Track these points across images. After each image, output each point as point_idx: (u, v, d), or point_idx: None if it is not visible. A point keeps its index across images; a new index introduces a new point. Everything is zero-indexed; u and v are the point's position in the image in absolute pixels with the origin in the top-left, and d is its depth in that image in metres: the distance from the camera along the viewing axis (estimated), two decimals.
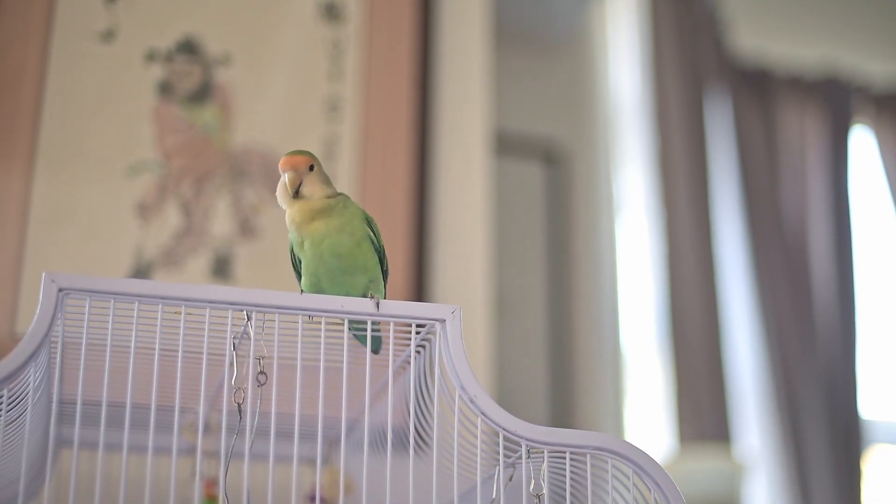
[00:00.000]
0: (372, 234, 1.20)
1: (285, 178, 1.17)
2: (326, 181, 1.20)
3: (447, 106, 2.13)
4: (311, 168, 1.18)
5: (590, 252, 2.93)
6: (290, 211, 1.18)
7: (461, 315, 1.08)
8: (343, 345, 1.07)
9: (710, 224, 2.84)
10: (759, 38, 3.14)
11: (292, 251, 1.20)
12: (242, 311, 1.04)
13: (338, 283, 1.16)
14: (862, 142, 3.16)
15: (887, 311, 3.09)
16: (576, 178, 2.98)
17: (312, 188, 1.18)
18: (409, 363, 1.16)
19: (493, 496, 1.08)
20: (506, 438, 1.05)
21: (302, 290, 1.17)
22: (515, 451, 1.05)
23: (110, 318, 1.01)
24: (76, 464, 0.97)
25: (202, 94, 1.96)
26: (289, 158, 1.18)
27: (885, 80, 3.21)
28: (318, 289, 1.17)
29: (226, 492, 1.02)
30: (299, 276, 1.20)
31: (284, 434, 1.04)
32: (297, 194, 1.17)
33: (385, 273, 1.21)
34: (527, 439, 1.05)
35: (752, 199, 2.90)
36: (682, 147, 2.86)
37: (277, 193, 1.19)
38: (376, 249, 1.20)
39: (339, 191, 1.22)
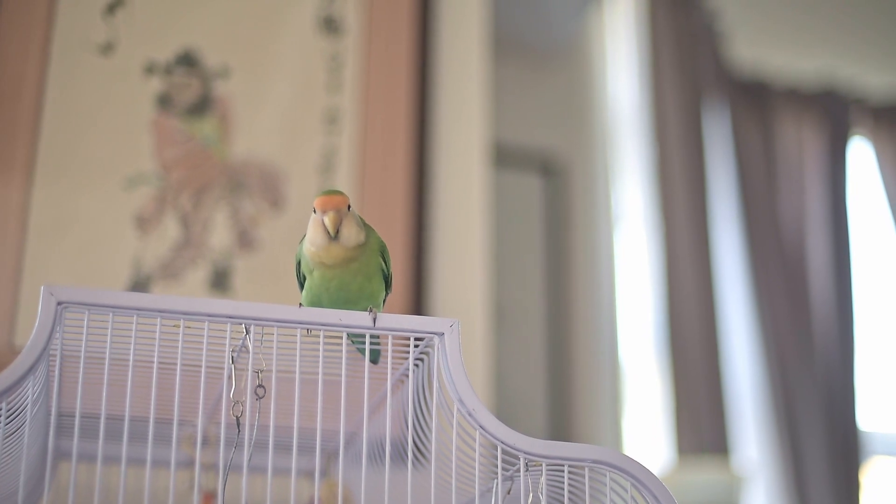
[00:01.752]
0: (384, 264, 1.18)
1: (325, 218, 1.11)
2: (360, 221, 1.16)
3: (445, 117, 2.13)
4: (349, 208, 1.13)
5: (588, 263, 2.94)
6: (320, 252, 1.14)
7: (459, 328, 1.08)
8: (342, 358, 1.07)
9: (708, 235, 2.84)
10: (757, 49, 3.14)
11: (298, 264, 1.19)
12: (241, 324, 1.04)
13: (339, 307, 1.15)
14: (860, 153, 3.16)
15: (886, 322, 3.09)
16: (574, 190, 2.98)
17: (350, 230, 1.13)
18: (407, 376, 1.16)
19: None
20: (504, 451, 1.05)
21: (301, 304, 1.17)
22: (514, 465, 1.05)
23: (109, 331, 1.00)
24: (74, 476, 0.97)
25: (201, 106, 1.97)
26: (329, 198, 1.12)
27: (882, 91, 3.22)
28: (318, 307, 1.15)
29: None
30: (302, 286, 1.20)
31: (283, 447, 1.04)
32: (336, 236, 1.12)
33: (387, 290, 1.21)
34: (525, 452, 1.04)
35: (750, 210, 2.90)
36: (680, 158, 2.87)
37: (312, 233, 1.13)
38: (385, 277, 1.19)
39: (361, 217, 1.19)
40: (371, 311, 1.07)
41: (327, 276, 1.15)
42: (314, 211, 1.13)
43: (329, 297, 1.15)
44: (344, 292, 1.15)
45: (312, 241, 1.14)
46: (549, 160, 2.97)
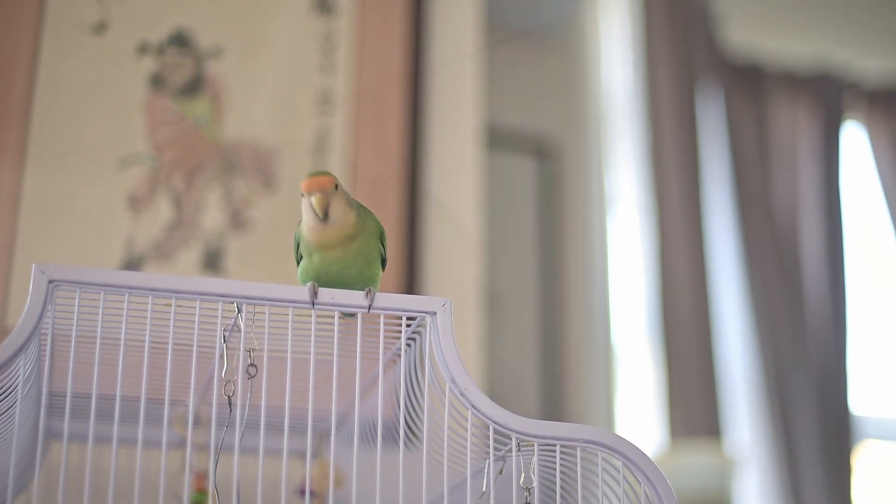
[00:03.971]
0: (382, 248, 1.19)
1: (311, 200, 1.11)
2: (349, 200, 1.16)
3: (439, 100, 2.13)
4: (336, 188, 1.13)
5: (581, 246, 2.94)
6: (321, 235, 1.13)
7: (452, 308, 1.08)
8: (333, 337, 1.07)
9: (701, 219, 2.84)
10: (751, 33, 3.14)
11: (297, 246, 1.19)
12: (233, 303, 1.04)
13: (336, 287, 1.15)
14: (854, 137, 3.16)
15: (878, 307, 3.10)
16: (567, 173, 2.98)
17: (339, 209, 1.13)
18: (399, 356, 1.16)
19: (483, 489, 1.08)
20: (496, 431, 1.05)
21: (298, 260, 1.17)
22: (506, 444, 1.05)
23: (100, 310, 1.00)
24: (66, 456, 0.97)
25: (194, 86, 1.96)
26: (314, 180, 1.12)
27: (877, 75, 3.21)
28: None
29: (215, 485, 1.02)
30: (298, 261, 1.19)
31: (274, 427, 1.04)
32: (325, 216, 1.12)
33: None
34: (517, 432, 1.04)
35: (743, 195, 2.90)
36: (673, 142, 2.86)
37: (306, 218, 1.14)
38: (382, 259, 1.19)
39: (357, 201, 1.19)
40: (369, 291, 1.07)
41: (328, 259, 1.14)
42: (302, 195, 1.13)
43: (328, 279, 1.14)
44: (343, 276, 1.15)
45: (306, 224, 1.14)
46: (543, 143, 2.96)
